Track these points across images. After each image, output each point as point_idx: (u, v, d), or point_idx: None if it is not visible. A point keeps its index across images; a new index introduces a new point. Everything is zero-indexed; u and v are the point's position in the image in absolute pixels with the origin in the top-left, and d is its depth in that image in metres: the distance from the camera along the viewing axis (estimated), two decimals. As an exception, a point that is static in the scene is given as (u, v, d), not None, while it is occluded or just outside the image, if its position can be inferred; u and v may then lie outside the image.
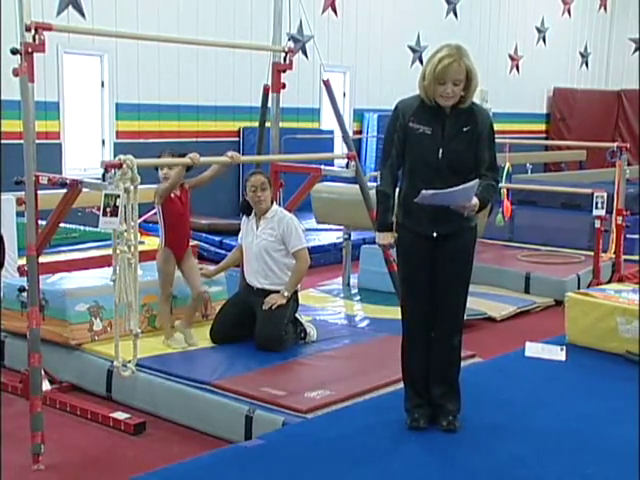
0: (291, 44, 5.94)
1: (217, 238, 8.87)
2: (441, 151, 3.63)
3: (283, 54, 5.63)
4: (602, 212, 7.30)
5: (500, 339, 6.08)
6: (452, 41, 3.65)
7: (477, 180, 3.56)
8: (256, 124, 6.21)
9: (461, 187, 3.51)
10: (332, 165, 8.12)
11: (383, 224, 3.81)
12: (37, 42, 4.00)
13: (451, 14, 14.12)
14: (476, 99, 3.76)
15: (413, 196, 3.61)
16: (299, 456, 3.49)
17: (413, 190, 3.63)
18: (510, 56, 15.61)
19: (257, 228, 5.26)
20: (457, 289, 3.77)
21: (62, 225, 5.47)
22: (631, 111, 16.56)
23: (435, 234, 3.68)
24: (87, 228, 7.88)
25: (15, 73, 4.01)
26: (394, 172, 3.76)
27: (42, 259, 4.43)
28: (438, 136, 3.63)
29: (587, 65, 17.66)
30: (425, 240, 3.70)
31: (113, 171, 3.78)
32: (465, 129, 3.63)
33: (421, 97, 3.68)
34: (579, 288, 6.87)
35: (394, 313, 5.92)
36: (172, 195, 5.07)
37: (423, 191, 3.53)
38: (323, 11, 11.99)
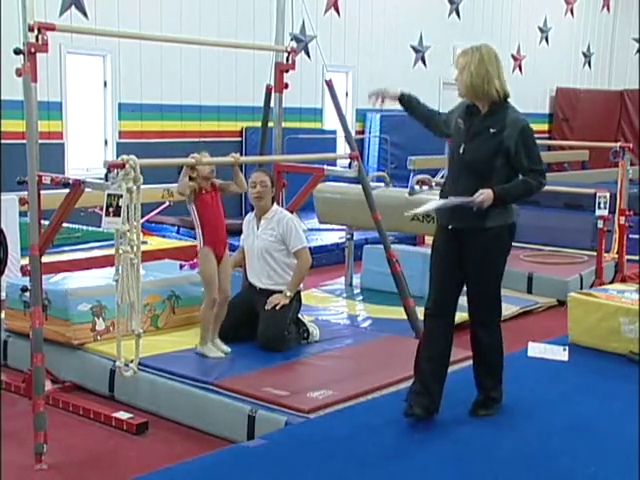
0: (294, 44, 5.94)
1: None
2: (463, 147, 3.75)
3: (286, 54, 5.64)
4: (605, 212, 7.29)
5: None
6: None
7: (471, 198, 3.66)
8: (259, 124, 6.20)
9: (458, 200, 3.69)
10: (335, 165, 8.12)
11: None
12: (40, 42, 4.02)
13: (454, 14, 14.10)
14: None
15: (445, 189, 3.85)
16: (301, 456, 3.50)
17: (446, 184, 3.89)
18: (513, 56, 15.59)
19: (258, 229, 5.26)
20: (481, 286, 3.86)
21: (65, 225, 5.51)
22: (634, 111, 16.54)
23: (450, 226, 3.82)
24: (90, 228, 7.90)
25: (18, 73, 4.02)
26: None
27: (45, 259, 4.44)
28: (465, 132, 3.77)
29: (590, 65, 17.65)
30: (446, 233, 3.86)
31: (116, 171, 3.79)
32: (492, 130, 3.71)
33: None
34: (582, 288, 6.86)
35: (397, 313, 5.94)
36: (203, 191, 4.89)
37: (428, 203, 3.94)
38: (325, 11, 12.00)
